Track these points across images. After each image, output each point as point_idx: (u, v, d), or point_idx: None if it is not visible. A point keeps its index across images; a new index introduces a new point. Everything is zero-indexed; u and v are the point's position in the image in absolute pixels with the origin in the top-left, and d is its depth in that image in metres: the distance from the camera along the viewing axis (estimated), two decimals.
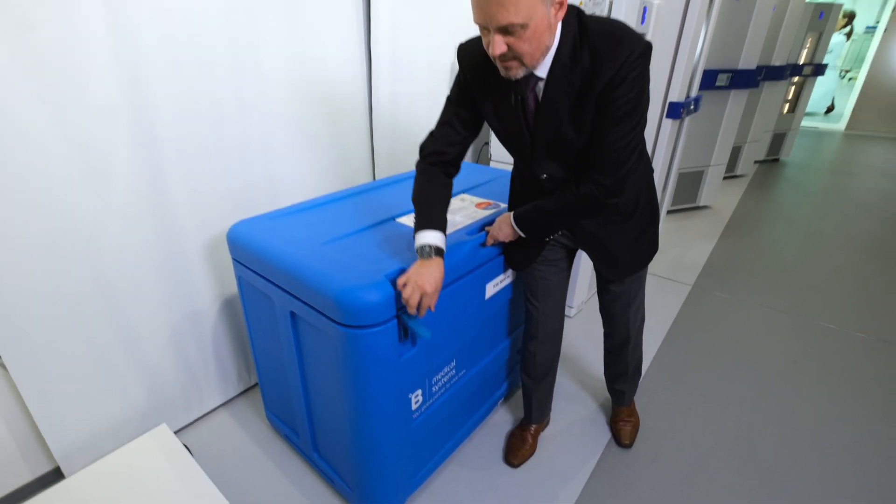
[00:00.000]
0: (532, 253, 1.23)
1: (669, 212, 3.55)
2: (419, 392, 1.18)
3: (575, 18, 0.89)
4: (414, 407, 1.18)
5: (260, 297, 1.26)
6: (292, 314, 1.14)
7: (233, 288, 1.58)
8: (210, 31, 1.29)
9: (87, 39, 1.08)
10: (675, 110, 2.15)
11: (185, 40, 1.25)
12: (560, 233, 1.20)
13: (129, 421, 1.41)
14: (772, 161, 5.04)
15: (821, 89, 6.97)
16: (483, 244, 1.21)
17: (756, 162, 4.82)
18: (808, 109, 5.60)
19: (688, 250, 2.94)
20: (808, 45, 4.42)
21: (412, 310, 0.96)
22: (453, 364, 1.29)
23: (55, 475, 1.34)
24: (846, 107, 7.01)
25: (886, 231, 3.26)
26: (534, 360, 1.39)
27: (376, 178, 2.00)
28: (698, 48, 2.25)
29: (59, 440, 1.28)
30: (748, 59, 3.17)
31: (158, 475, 1.15)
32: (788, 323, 2.21)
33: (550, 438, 1.55)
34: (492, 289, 1.32)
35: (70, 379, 1.26)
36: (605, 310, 1.35)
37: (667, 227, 3.27)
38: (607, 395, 1.64)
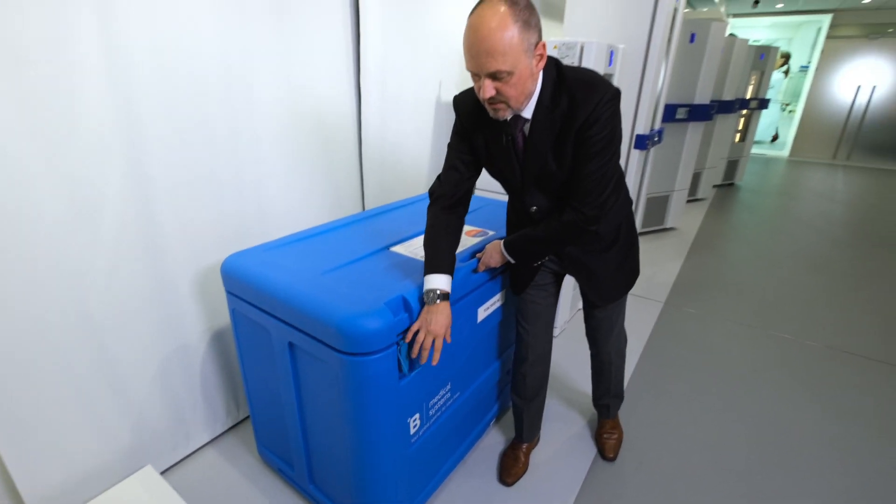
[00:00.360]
0: (526, 278, 1.31)
1: (640, 234, 3.75)
2: (417, 416, 1.21)
3: (554, 68, 1.01)
4: (412, 431, 1.20)
5: (255, 329, 1.26)
6: (290, 345, 1.15)
7: (222, 321, 1.56)
8: (204, 66, 1.32)
9: (82, 75, 1.09)
10: (641, 142, 2.32)
11: (180, 75, 1.27)
12: (548, 259, 1.29)
13: (111, 463, 1.35)
14: (728, 185, 5.43)
15: (766, 120, 7.63)
16: (475, 270, 1.28)
17: (714, 186, 5.18)
18: (756, 138, 6.09)
19: (659, 270, 3.11)
20: (752, 82, 4.89)
21: (426, 354, 1.05)
22: (448, 387, 1.32)
23: None
24: (789, 136, 7.67)
25: (828, 248, 3.57)
26: (524, 382, 1.44)
27: (365, 208, 2.05)
28: (659, 85, 2.47)
29: (33, 486, 1.20)
30: (703, 95, 3.47)
31: None
32: (749, 335, 2.37)
33: (542, 456, 1.60)
34: (483, 313, 1.37)
35: (47, 418, 1.19)
36: (590, 334, 1.45)
37: (640, 248, 3.44)
38: (593, 410, 1.71)
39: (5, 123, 1.00)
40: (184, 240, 1.39)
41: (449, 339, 1.09)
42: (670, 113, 3.35)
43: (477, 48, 0.89)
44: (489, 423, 1.65)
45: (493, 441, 1.66)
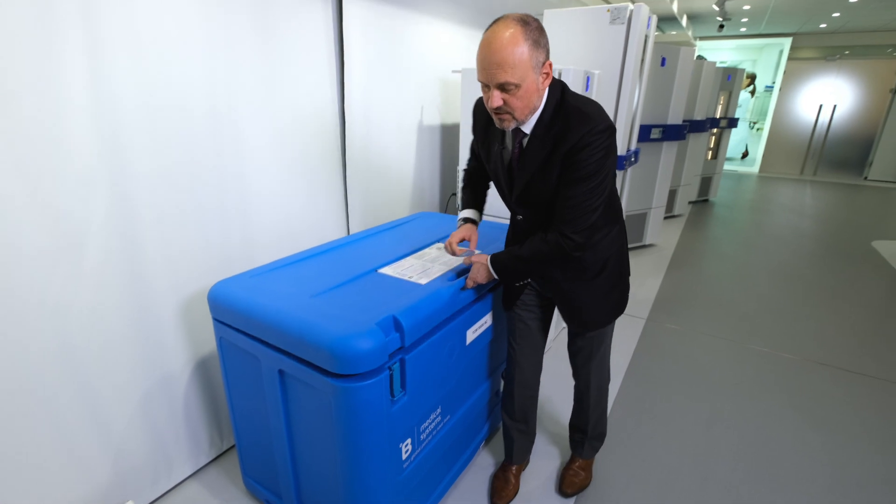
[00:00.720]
0: (514, 296, 1.34)
1: None
2: (409, 441, 1.20)
3: (560, 91, 1.07)
4: (404, 457, 1.20)
5: (244, 357, 1.25)
6: (280, 372, 1.14)
7: (205, 350, 1.53)
8: (190, 99, 1.34)
9: (68, 109, 1.09)
10: (619, 162, 2.41)
11: (166, 110, 1.28)
12: (529, 281, 1.32)
13: (90, 499, 1.30)
14: (703, 201, 5.61)
15: (736, 138, 7.98)
16: (463, 287, 1.29)
17: (690, 202, 5.35)
18: (727, 155, 6.36)
19: (640, 286, 3.18)
20: (721, 102, 5.13)
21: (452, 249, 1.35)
22: (439, 410, 1.32)
23: None
24: (758, 153, 8.02)
25: (799, 261, 3.72)
26: (512, 401, 1.45)
27: (350, 232, 2.06)
28: (634, 107, 2.57)
29: None
30: (675, 115, 3.62)
31: None
32: (728, 349, 2.43)
33: (531, 477, 1.59)
34: (472, 335, 1.38)
35: (24, 454, 1.15)
36: (571, 360, 1.46)
37: None
38: None
39: None
40: (168, 270, 1.38)
41: (457, 248, 1.34)
42: (645, 133, 3.47)
43: (489, 60, 0.97)
44: (479, 445, 1.65)
45: (485, 462, 1.65)
